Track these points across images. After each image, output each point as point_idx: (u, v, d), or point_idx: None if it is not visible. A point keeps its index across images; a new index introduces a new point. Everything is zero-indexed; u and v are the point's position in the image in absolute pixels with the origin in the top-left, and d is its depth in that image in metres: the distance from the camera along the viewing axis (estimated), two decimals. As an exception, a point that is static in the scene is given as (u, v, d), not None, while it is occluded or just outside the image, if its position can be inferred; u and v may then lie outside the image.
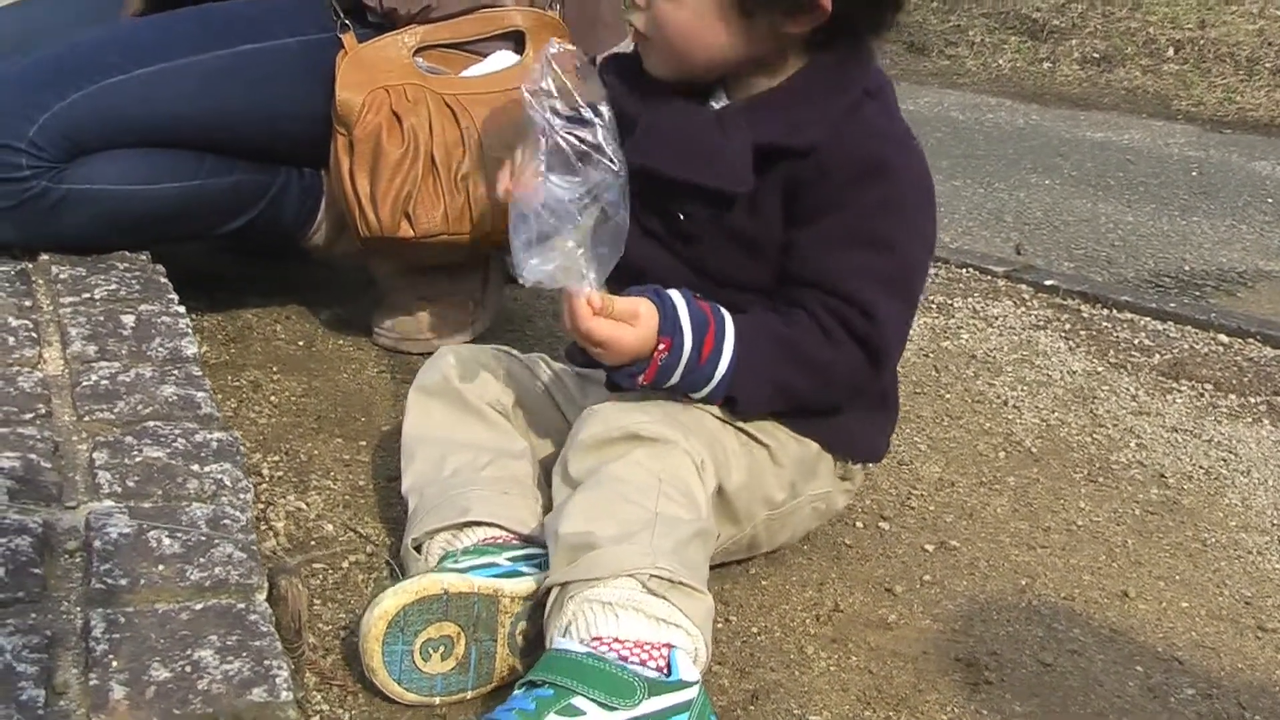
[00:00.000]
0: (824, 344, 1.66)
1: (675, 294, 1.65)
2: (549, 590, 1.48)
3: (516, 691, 1.41)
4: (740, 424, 1.71)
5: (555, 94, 1.67)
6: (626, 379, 1.64)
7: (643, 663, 1.40)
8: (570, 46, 1.74)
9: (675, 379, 1.64)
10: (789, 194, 1.69)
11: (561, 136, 1.65)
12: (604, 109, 1.68)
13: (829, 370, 1.68)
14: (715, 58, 1.70)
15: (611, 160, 1.66)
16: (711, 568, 1.77)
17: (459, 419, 1.80)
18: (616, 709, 1.36)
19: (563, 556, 1.49)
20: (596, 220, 1.64)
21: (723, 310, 1.67)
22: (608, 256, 1.63)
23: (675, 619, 1.43)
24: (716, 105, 1.76)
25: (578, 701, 1.36)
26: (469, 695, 1.52)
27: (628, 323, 1.60)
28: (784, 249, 1.71)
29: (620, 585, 1.43)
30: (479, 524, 1.65)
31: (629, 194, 1.67)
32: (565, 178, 1.64)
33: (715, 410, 1.70)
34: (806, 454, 1.78)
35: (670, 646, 1.43)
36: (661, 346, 1.61)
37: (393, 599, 1.49)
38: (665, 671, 1.41)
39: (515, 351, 1.90)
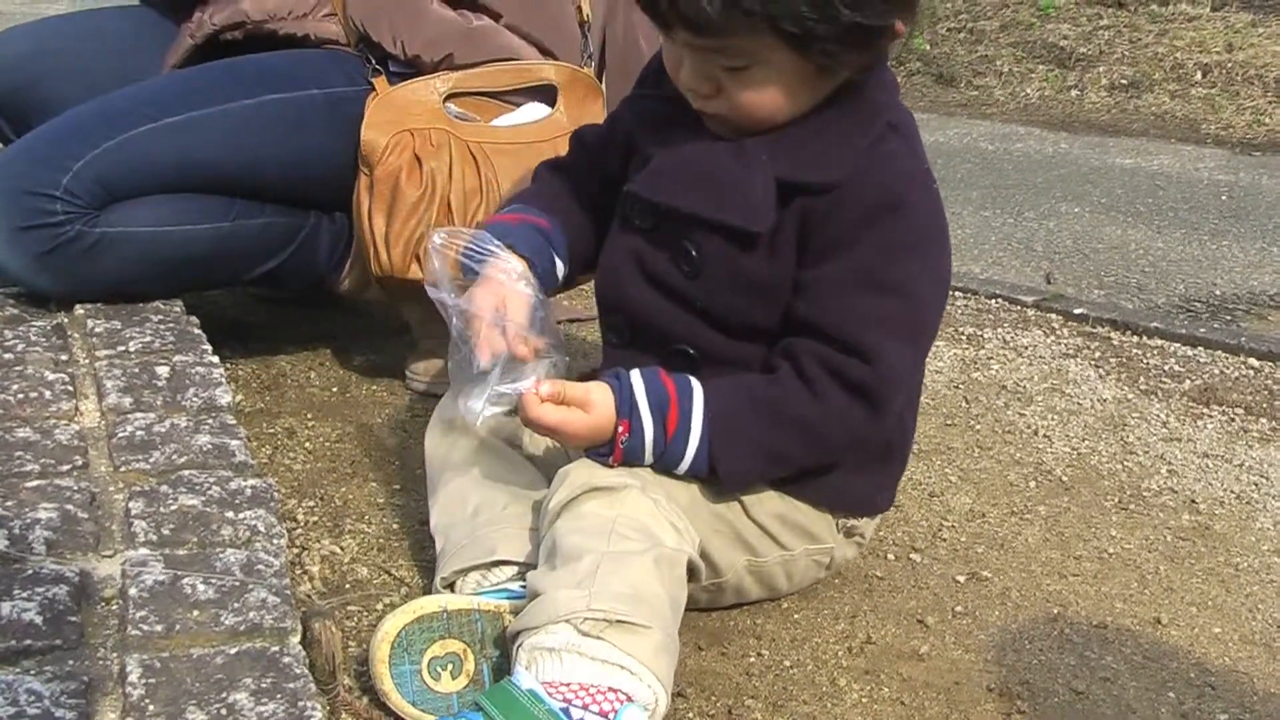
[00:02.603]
0: (809, 401, 1.63)
1: (635, 374, 1.65)
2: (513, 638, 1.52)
3: (466, 708, 1.46)
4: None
5: (454, 280, 1.71)
6: (598, 459, 1.65)
7: (585, 707, 1.42)
8: (447, 229, 1.76)
9: (646, 458, 1.65)
10: (803, 231, 1.66)
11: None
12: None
13: (818, 428, 1.66)
14: (794, 116, 1.66)
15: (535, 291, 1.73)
16: (710, 610, 1.81)
17: (476, 457, 1.82)
18: None
19: (524, 606, 1.53)
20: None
21: (691, 382, 1.66)
22: (550, 353, 1.68)
23: (617, 659, 1.44)
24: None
25: None
26: None
27: (580, 408, 1.61)
28: (793, 289, 1.68)
29: (557, 631, 1.45)
30: (507, 562, 1.68)
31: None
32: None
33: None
34: (792, 512, 1.76)
35: (617, 692, 1.43)
36: (621, 429, 1.62)
37: (393, 620, 1.54)
38: None
39: None
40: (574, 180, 1.92)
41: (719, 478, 1.68)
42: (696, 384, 1.66)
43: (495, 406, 1.64)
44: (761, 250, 1.67)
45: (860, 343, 1.62)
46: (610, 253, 1.81)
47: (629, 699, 1.44)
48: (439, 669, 1.54)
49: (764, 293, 1.69)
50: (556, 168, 1.96)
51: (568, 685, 1.42)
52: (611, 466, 1.65)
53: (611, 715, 1.42)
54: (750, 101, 1.63)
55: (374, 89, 2.31)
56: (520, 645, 1.48)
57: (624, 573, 1.51)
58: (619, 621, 1.46)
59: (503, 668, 1.55)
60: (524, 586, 1.58)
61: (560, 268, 1.85)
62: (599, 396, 1.62)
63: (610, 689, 1.43)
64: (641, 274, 1.75)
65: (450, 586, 1.70)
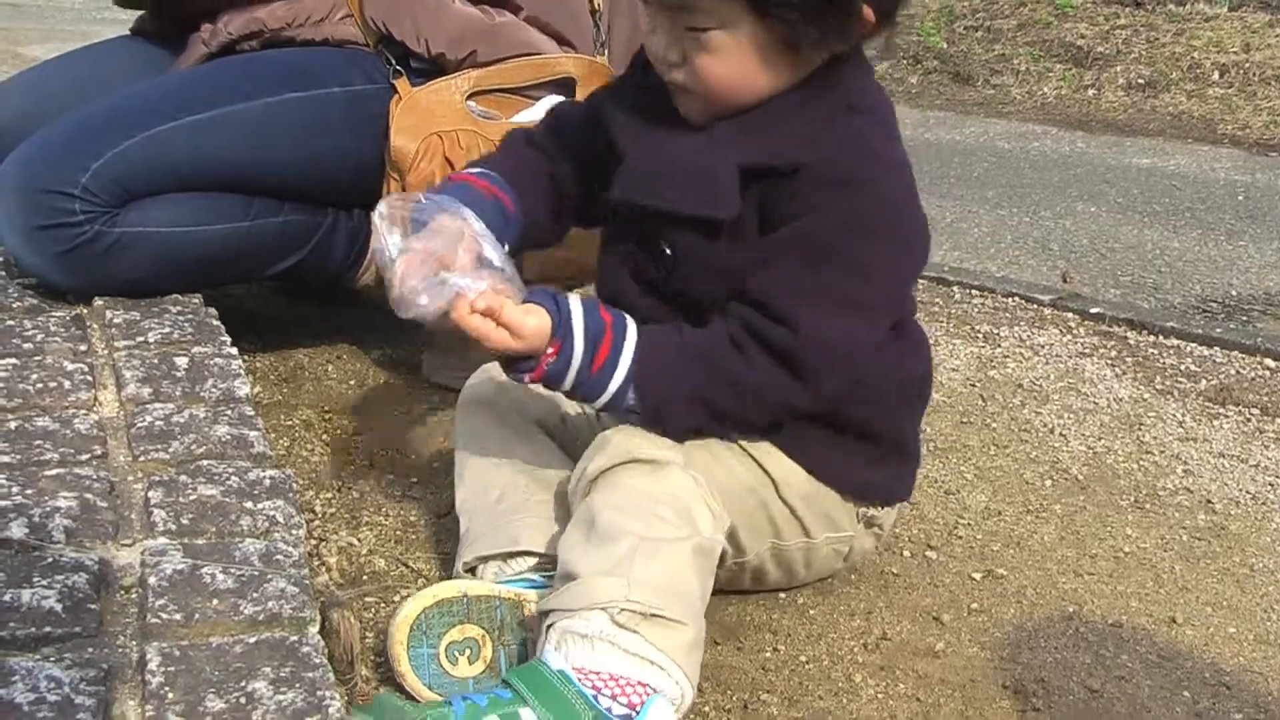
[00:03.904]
0: (734, 356, 1.62)
1: (575, 299, 1.63)
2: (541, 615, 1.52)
3: (496, 689, 1.46)
4: (752, 454, 1.71)
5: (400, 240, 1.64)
6: (516, 375, 1.64)
7: (614, 697, 1.42)
8: (393, 195, 1.70)
9: (566, 385, 1.64)
10: (764, 211, 1.65)
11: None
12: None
13: (744, 384, 1.64)
14: (760, 96, 1.65)
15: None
16: (729, 592, 1.80)
17: (506, 437, 1.82)
18: None
19: (555, 584, 1.53)
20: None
21: (628, 321, 1.65)
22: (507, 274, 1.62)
23: (649, 654, 1.45)
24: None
25: (524, 712, 1.40)
26: None
27: (511, 333, 1.57)
28: None
29: (592, 618, 1.46)
30: (528, 553, 1.68)
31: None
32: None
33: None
34: (818, 496, 1.76)
35: (646, 686, 1.44)
36: (550, 350, 1.61)
37: (412, 603, 1.55)
38: (634, 713, 1.42)
39: None
40: (546, 160, 1.88)
41: (640, 415, 1.66)
42: (633, 324, 1.65)
43: (435, 299, 1.56)
44: (727, 236, 1.66)
45: (784, 310, 1.61)
46: (605, 252, 1.81)
47: (656, 692, 1.44)
48: (456, 654, 1.55)
49: (736, 273, 1.67)
50: (531, 143, 1.91)
51: (598, 674, 1.43)
52: (526, 383, 1.64)
53: (639, 707, 1.42)
54: (714, 72, 1.62)
55: (394, 89, 2.31)
56: (551, 625, 1.48)
57: (660, 562, 1.51)
58: (654, 615, 1.46)
59: (521, 655, 1.56)
60: (545, 576, 1.59)
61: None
62: (534, 326, 1.58)
63: (640, 683, 1.44)
64: (629, 272, 1.75)
65: (471, 571, 1.71)
